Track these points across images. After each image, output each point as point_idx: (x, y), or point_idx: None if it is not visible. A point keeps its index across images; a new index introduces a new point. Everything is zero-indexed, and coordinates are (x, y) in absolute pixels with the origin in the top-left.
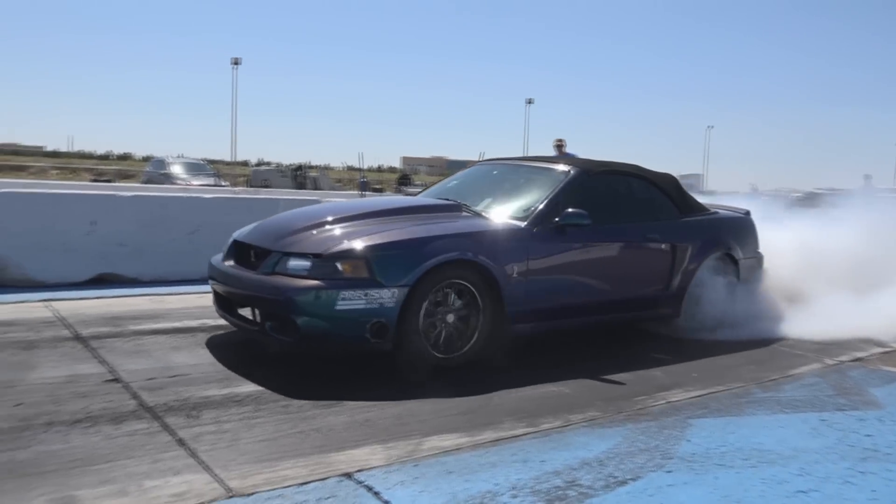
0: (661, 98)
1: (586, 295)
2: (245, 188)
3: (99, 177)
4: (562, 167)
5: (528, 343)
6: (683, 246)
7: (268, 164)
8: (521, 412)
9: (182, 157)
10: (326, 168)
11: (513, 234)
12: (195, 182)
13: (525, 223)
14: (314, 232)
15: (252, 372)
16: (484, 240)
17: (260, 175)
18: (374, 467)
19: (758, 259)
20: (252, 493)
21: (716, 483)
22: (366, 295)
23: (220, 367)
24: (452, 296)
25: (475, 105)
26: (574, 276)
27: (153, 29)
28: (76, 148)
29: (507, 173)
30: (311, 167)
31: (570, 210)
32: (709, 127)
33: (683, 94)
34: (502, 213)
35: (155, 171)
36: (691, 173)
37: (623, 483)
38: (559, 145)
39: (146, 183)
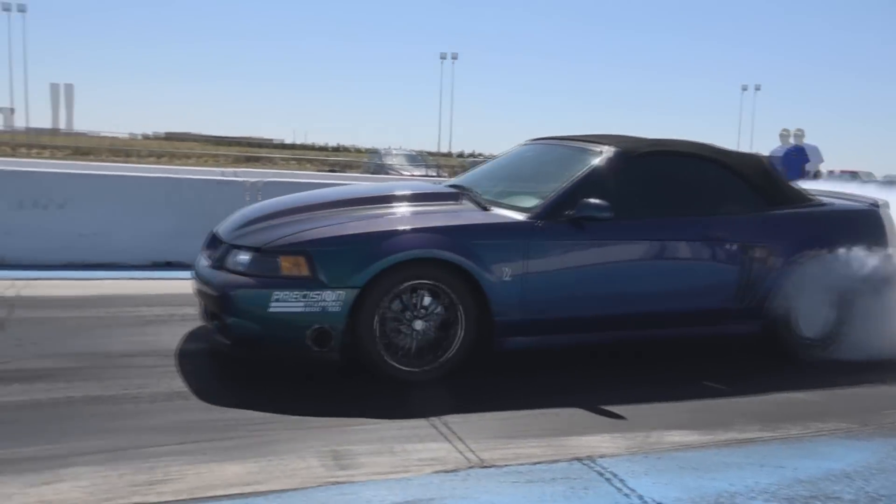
0: None
1: (609, 306)
2: None
3: (331, 167)
4: (598, 148)
5: (761, 346)
6: (763, 246)
7: (479, 154)
8: (753, 414)
9: (400, 148)
10: None
11: (508, 229)
12: (416, 172)
13: (527, 216)
14: (273, 222)
15: (489, 354)
16: (466, 235)
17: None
18: (613, 455)
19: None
20: (503, 465)
21: None
22: (304, 296)
23: None
24: (425, 300)
25: (690, 90)
26: (592, 282)
27: (371, 29)
28: (307, 140)
29: (541, 154)
30: None
31: (588, 200)
32: None
33: None
34: (510, 203)
35: (374, 161)
36: None
37: (879, 499)
38: (793, 134)
39: (368, 173)
